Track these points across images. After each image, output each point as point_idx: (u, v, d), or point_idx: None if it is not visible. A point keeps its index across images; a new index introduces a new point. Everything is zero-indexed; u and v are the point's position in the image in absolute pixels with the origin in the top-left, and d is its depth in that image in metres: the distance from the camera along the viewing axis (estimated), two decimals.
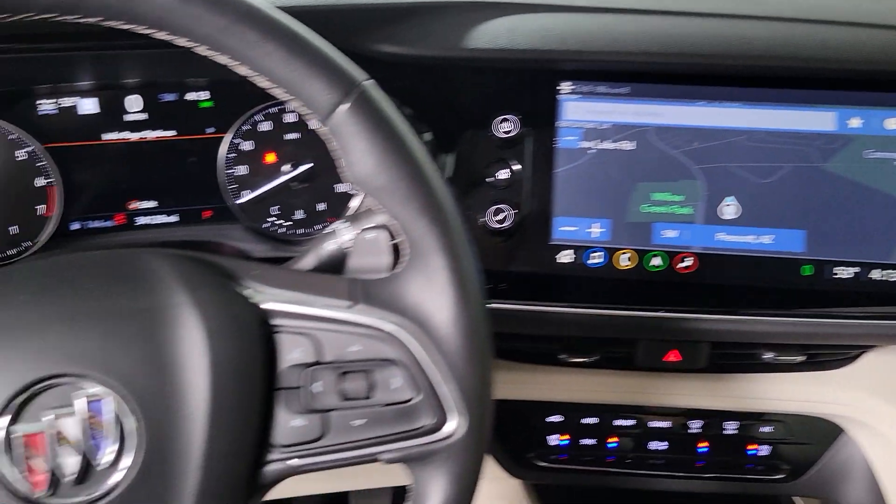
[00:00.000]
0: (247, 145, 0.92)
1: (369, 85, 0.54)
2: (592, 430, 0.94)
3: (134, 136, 0.90)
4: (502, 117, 0.84)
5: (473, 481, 0.56)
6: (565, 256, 0.84)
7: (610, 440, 0.95)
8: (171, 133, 0.91)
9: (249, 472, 0.54)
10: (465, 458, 0.56)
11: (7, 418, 0.49)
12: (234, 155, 0.92)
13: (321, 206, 0.95)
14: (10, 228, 0.88)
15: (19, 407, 0.50)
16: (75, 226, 0.91)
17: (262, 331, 0.54)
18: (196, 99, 0.90)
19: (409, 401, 0.55)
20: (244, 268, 0.58)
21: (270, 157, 0.93)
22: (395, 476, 1.16)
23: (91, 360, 0.51)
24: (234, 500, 0.54)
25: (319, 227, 0.95)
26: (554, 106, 0.84)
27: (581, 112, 0.84)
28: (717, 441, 0.94)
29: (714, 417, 0.94)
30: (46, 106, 0.87)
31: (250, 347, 0.53)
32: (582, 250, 0.84)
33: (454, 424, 0.55)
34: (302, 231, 0.95)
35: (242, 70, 0.53)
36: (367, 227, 0.66)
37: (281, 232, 0.94)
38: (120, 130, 0.90)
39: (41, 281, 0.54)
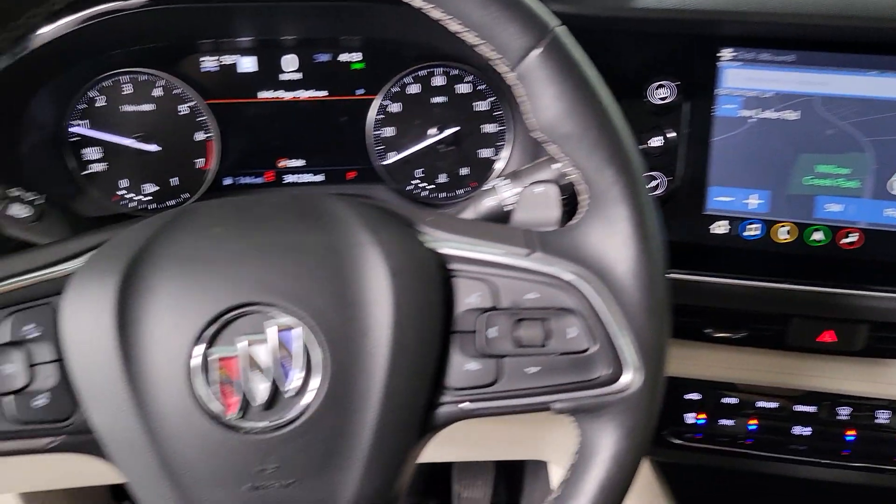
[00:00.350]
0: (395, 107, 0.93)
1: (561, 31, 0.54)
2: (732, 411, 0.91)
3: (288, 96, 0.92)
4: (658, 83, 0.82)
5: (645, 437, 0.55)
6: (720, 227, 0.82)
7: (750, 422, 0.92)
8: (322, 93, 0.93)
9: (424, 411, 0.54)
10: (638, 412, 0.55)
11: (204, 342, 0.51)
12: (382, 116, 0.93)
13: (464, 171, 0.95)
14: (171, 180, 0.92)
15: (216, 332, 0.52)
16: (227, 181, 0.95)
17: (441, 274, 0.55)
18: (349, 60, 0.92)
19: (584, 351, 0.54)
20: (418, 214, 0.59)
21: (417, 121, 0.93)
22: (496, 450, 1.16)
23: (283, 291, 0.52)
24: (408, 438, 0.54)
25: (461, 191, 0.96)
26: (714, 73, 0.82)
27: (742, 80, 0.82)
28: (867, 430, 0.90)
29: (865, 404, 0.90)
30: (209, 63, 0.90)
31: (430, 289, 0.54)
32: (738, 221, 0.82)
33: (630, 377, 0.54)
34: (444, 195, 0.96)
35: (436, 13, 0.53)
36: (534, 181, 0.66)
37: (423, 195, 0.95)
38: (275, 89, 0.92)
39: (233, 215, 0.56)
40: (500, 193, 0.72)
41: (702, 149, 0.82)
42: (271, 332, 0.52)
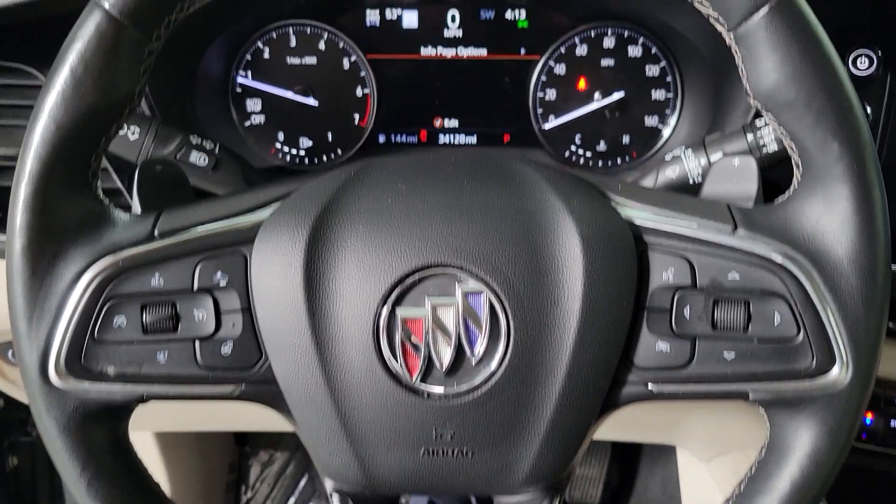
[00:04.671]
0: (559, 69, 0.89)
1: None
2: None
3: (448, 53, 0.90)
4: (859, 52, 0.75)
5: (849, 439, 0.51)
6: None
7: None
8: (482, 52, 0.90)
9: (607, 388, 0.52)
10: (843, 411, 0.50)
11: (391, 301, 0.50)
12: (545, 78, 0.90)
13: (626, 139, 0.91)
14: (327, 135, 0.92)
15: (403, 292, 0.50)
16: (382, 139, 0.94)
17: (635, 247, 0.52)
18: (514, 18, 0.89)
19: (789, 339, 0.50)
20: (607, 183, 0.56)
21: (582, 84, 0.90)
22: None
23: (472, 255, 0.50)
24: (589, 413, 0.52)
25: (620, 161, 0.91)
26: None
27: None
28: None
29: None
30: (373, 17, 0.89)
31: (622, 261, 0.51)
32: None
33: (838, 372, 0.50)
34: (602, 163, 0.92)
35: None
36: (725, 153, 0.62)
37: (582, 163, 0.92)
38: (436, 46, 0.90)
39: (417, 173, 0.55)
40: (686, 163, 0.68)
41: None
42: (458, 296, 0.50)
